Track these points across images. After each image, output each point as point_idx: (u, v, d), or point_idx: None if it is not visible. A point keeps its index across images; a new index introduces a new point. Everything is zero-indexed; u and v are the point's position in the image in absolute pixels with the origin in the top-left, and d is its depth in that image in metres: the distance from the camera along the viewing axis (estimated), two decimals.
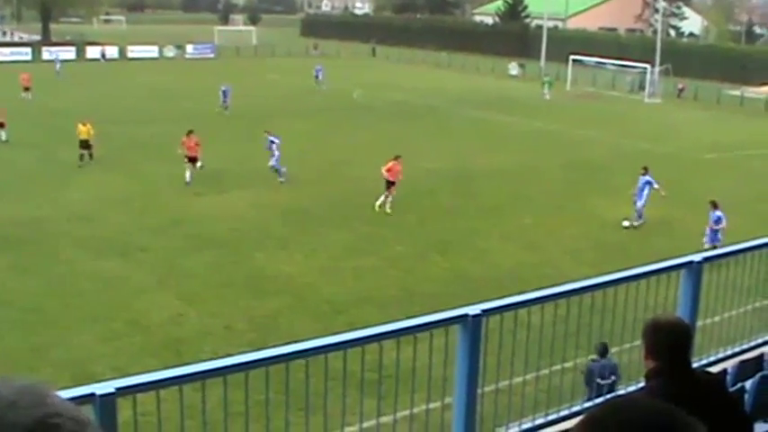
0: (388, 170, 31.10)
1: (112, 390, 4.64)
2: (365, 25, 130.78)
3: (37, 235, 27.51)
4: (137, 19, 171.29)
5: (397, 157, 31.66)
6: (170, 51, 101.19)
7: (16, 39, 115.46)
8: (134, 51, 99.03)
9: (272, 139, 36.42)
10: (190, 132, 35.91)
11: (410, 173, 37.37)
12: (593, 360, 13.66)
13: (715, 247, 22.16)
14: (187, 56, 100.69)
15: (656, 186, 30.36)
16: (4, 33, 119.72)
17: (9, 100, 51.93)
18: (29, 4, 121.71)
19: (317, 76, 73.12)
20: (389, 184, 31.10)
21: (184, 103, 59.05)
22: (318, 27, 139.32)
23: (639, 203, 30.43)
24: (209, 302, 22.45)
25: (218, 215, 30.56)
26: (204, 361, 5.59)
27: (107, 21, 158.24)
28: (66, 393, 3.40)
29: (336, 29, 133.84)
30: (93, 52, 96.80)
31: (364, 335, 5.81)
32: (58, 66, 77.60)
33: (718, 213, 26.32)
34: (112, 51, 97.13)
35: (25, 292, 22.23)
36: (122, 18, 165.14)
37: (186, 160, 35.09)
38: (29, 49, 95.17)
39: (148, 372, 5.18)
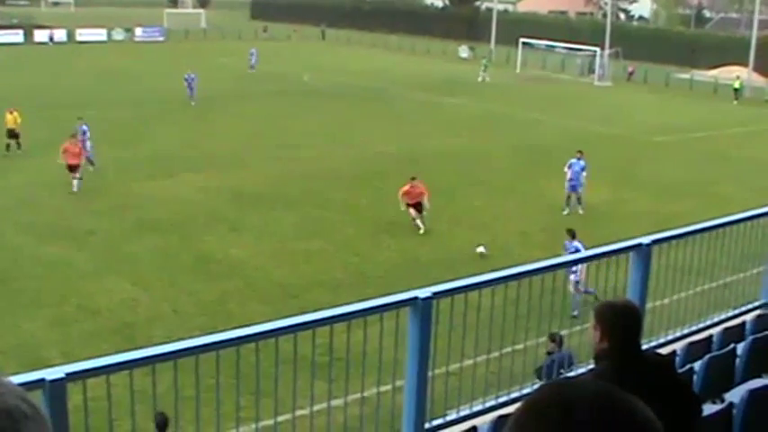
0: (405, 193, 27.84)
1: (62, 375, 4.61)
2: (315, 8, 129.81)
3: None
4: (85, 1, 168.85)
5: (412, 179, 28.06)
6: (119, 34, 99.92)
7: None
8: (83, 35, 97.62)
9: (83, 128, 34.41)
10: (72, 136, 31.95)
11: (360, 156, 37.44)
12: (549, 353, 13.04)
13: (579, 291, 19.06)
14: (136, 39, 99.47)
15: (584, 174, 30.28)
16: None
17: None
18: None
19: (250, 60, 71.67)
20: (415, 206, 27.79)
21: (132, 86, 58.40)
22: (268, 10, 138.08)
23: (580, 190, 30.36)
24: (159, 286, 22.31)
25: (167, 198, 30.31)
26: (154, 345, 5.57)
27: (55, 3, 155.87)
28: (14, 379, 3.37)
29: (286, 12, 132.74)
30: (40, 36, 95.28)
31: (315, 318, 5.83)
32: None
33: (576, 244, 21.34)
34: (61, 34, 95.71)
35: None
36: (71, 1, 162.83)
37: (67, 169, 30.91)
38: None
39: (99, 357, 5.15)
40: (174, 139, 40.48)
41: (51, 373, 4.58)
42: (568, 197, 30.41)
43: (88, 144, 33.91)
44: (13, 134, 36.44)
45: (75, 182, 30.57)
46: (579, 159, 30.44)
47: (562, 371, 11.65)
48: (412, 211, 27.68)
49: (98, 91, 55.69)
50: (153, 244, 25.57)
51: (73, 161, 30.82)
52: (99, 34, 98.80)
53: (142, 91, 55.56)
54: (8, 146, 36.32)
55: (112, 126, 43.13)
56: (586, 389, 1.76)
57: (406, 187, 27.84)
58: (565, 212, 30.04)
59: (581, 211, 30.16)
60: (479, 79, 68.50)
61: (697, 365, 7.23)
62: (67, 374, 4.65)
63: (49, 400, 4.46)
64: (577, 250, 20.03)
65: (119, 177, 33.07)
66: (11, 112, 36.75)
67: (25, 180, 32.47)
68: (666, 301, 9.60)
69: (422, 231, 27.33)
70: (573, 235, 22.04)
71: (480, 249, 25.02)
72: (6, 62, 71.03)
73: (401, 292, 6.36)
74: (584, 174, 30.20)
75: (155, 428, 10.79)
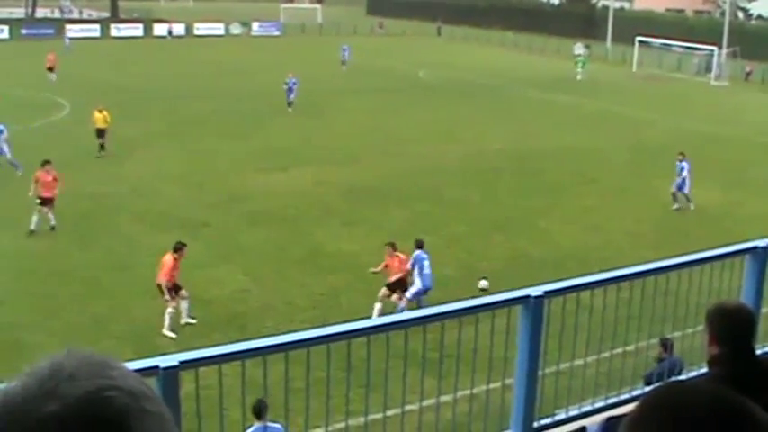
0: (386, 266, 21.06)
1: (176, 363, 4.70)
2: (431, 4, 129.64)
3: (97, 209, 27.86)
4: None
5: (391, 245, 21.31)
6: (236, 29, 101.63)
7: (85, 16, 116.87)
8: (200, 29, 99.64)
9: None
10: (46, 163, 26.25)
11: (473, 152, 37.35)
12: (659, 360, 12.75)
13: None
14: (253, 33, 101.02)
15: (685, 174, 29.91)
16: (70, 11, 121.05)
17: (75, 76, 52.56)
18: None
19: (343, 56, 70.59)
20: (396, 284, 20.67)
21: (247, 79, 59.35)
22: (384, 6, 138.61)
23: (686, 190, 30.01)
24: (270, 278, 22.62)
25: (280, 192, 30.71)
26: (266, 336, 5.64)
27: None
28: (129, 366, 3.46)
29: (402, 8, 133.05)
30: (160, 29, 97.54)
31: (426, 314, 5.83)
32: (67, 42, 77.47)
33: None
34: (179, 28, 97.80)
35: (86, 265, 22.56)
36: None
37: (39, 202, 25.63)
38: (98, 26, 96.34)
39: (212, 346, 5.25)
40: (286, 133, 40.99)
41: (165, 361, 4.68)
42: (674, 194, 30.08)
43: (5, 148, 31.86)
44: (102, 133, 35.01)
45: (50, 216, 25.70)
46: (682, 161, 29.92)
47: (672, 379, 11.21)
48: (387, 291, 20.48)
49: (213, 84, 56.76)
50: (265, 236, 25.95)
51: (47, 194, 25.65)
52: (216, 28, 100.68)
53: (257, 84, 56.39)
54: (102, 145, 35.02)
55: (227, 119, 43.97)
56: (701, 391, 1.74)
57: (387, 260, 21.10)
58: (674, 207, 29.86)
59: (692, 207, 29.65)
60: (579, 77, 67.43)
61: None
62: (181, 362, 4.74)
63: (163, 387, 4.55)
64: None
65: (232, 169, 33.63)
66: (100, 111, 35.42)
67: (140, 169, 33.28)
68: None
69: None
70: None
71: (483, 284, 21.45)
72: (126, 54, 72.98)
73: (512, 290, 6.32)
74: (686, 174, 29.70)
75: (252, 414, 11.03)
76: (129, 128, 39.04)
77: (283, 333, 5.48)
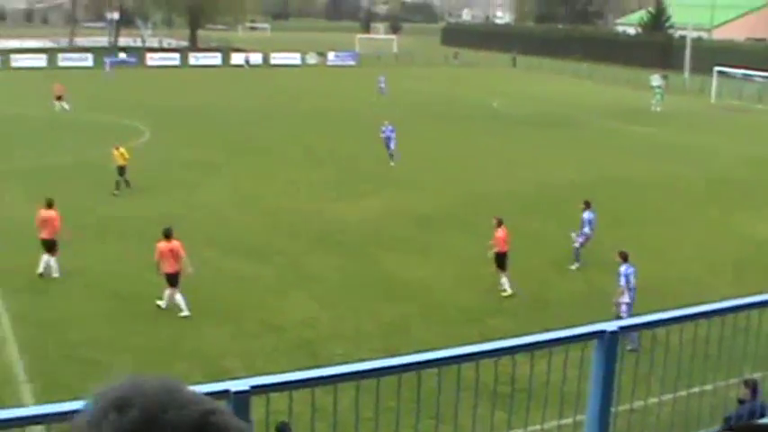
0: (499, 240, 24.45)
1: (247, 388, 4.69)
2: (506, 35, 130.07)
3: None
4: (281, 26, 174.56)
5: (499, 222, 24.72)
6: (312, 59, 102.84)
7: (165, 45, 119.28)
8: (277, 58, 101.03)
9: None
10: (50, 205, 24.58)
11: (547, 181, 37.14)
12: (741, 401, 11.88)
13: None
14: (329, 63, 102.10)
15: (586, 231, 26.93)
16: (144, 40, 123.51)
17: (154, 103, 53.39)
18: (179, 10, 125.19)
19: (380, 88, 70.78)
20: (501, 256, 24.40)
21: (321, 107, 59.86)
22: (459, 36, 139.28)
23: (579, 241, 26.80)
24: (341, 305, 22.64)
25: (351, 219, 30.82)
26: (336, 364, 5.62)
27: (252, 28, 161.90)
28: (201, 389, 3.45)
29: (477, 38, 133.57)
30: (237, 58, 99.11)
31: (498, 347, 5.74)
32: (107, 68, 78.37)
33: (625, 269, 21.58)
34: (256, 58, 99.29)
35: (159, 287, 22.82)
36: (267, 26, 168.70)
37: (45, 248, 24.06)
38: (177, 55, 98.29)
39: (282, 372, 5.23)
40: (358, 161, 41.17)
41: (236, 385, 4.67)
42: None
43: None
44: (122, 171, 34.03)
45: (53, 264, 24.03)
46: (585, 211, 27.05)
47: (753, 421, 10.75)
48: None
49: (288, 111, 57.34)
50: (336, 263, 26.02)
51: (48, 236, 24.18)
52: (293, 58, 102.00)
53: (330, 113, 56.85)
54: (127, 182, 34.05)
55: (301, 146, 44.32)
56: None
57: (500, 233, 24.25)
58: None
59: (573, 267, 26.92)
60: (657, 109, 66.54)
61: None
62: (252, 387, 4.73)
63: (234, 412, 4.54)
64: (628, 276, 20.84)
65: (305, 196, 33.88)
66: (117, 148, 34.64)
67: (214, 194, 33.70)
68: None
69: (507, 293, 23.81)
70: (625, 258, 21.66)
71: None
72: (204, 82, 74.14)
73: (586, 324, 6.21)
74: (586, 227, 26.83)
75: None
76: (203, 153, 39.68)
77: (354, 362, 5.45)
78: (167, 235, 21.86)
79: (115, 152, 34.49)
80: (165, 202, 31.63)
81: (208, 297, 22.51)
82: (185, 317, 21.23)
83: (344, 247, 27.66)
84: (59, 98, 56.93)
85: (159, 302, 21.73)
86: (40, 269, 23.84)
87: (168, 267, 21.54)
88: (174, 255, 21.60)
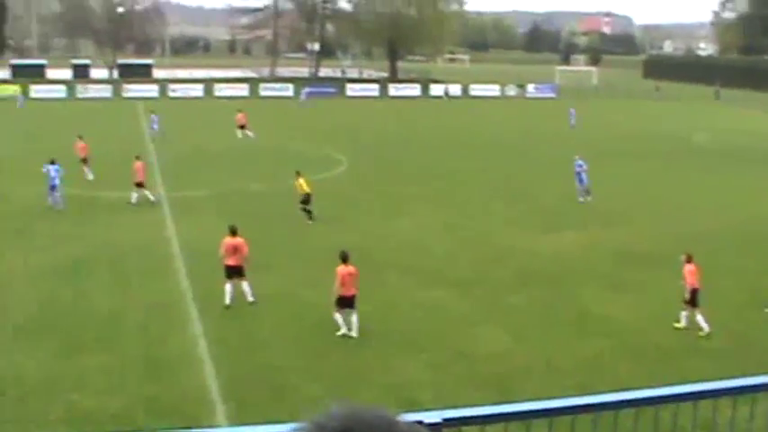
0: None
1: (439, 420, 4.65)
2: (709, 67, 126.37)
3: (366, 263, 28.36)
4: (480, 57, 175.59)
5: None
6: (511, 90, 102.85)
7: (365, 75, 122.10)
8: (476, 89, 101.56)
9: None
10: (234, 233, 24.49)
11: (750, 218, 35.75)
12: None
13: None
14: (528, 95, 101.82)
15: None
16: (343, 71, 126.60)
17: (353, 133, 54.37)
18: (378, 42, 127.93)
19: (570, 121, 70.53)
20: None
21: (521, 140, 59.65)
22: (661, 68, 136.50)
23: None
24: (535, 339, 22.34)
25: (547, 252, 30.48)
26: (529, 400, 5.51)
27: (451, 59, 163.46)
28: None
29: (680, 70, 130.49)
30: (436, 90, 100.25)
31: (698, 389, 5.50)
32: (303, 97, 79.22)
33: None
34: (455, 89, 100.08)
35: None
36: (466, 57, 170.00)
37: (234, 274, 24.37)
38: (377, 86, 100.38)
39: (473, 405, 5.17)
40: (555, 194, 40.75)
41: (429, 417, 4.64)
42: None
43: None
44: (307, 199, 34.01)
45: (247, 289, 24.38)
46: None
47: None
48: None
49: (488, 143, 57.39)
50: (531, 296, 25.74)
51: (236, 262, 24.38)
52: (492, 90, 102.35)
53: (528, 145, 56.55)
54: (309, 213, 33.95)
55: (497, 178, 44.25)
56: None
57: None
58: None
59: None
60: None
61: None
62: (444, 420, 4.69)
63: None
64: None
65: (501, 228, 33.78)
66: (300, 175, 34.66)
67: (409, 224, 34.04)
68: None
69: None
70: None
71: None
72: (404, 113, 75.26)
73: None
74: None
75: None
76: (399, 185, 40.12)
77: (548, 398, 5.32)
78: (344, 259, 22.19)
79: (301, 180, 34.51)
80: (358, 233, 32.12)
81: (402, 327, 22.66)
82: (352, 337, 21.70)
83: (540, 279, 27.34)
84: (242, 127, 59.72)
85: (349, 333, 22.03)
86: (227, 300, 23.91)
87: (346, 291, 21.96)
88: (352, 279, 21.95)
